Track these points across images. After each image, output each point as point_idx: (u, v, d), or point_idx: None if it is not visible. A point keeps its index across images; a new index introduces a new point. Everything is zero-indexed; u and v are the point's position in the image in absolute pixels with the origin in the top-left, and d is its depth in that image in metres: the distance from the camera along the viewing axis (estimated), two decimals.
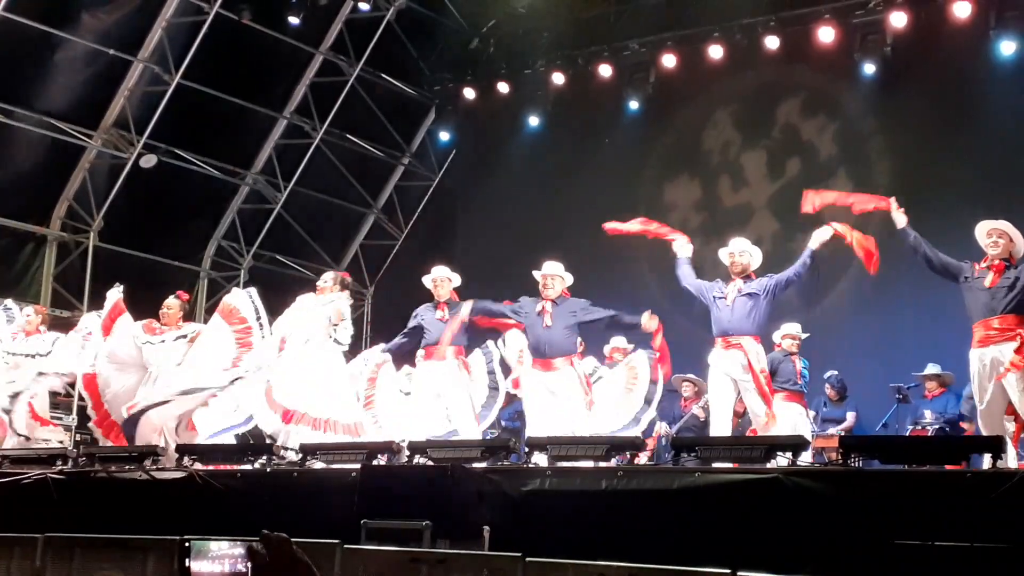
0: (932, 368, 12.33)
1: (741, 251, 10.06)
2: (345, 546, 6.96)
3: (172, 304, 11.70)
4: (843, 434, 11.66)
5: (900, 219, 9.32)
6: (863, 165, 15.62)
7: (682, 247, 10.32)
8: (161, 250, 17.79)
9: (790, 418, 10.83)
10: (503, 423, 13.21)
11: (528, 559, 6.12)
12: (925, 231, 14.54)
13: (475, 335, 11.56)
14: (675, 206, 17.04)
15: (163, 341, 11.45)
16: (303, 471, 9.37)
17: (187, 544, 3.42)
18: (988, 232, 8.92)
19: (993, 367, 8.61)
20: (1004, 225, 8.92)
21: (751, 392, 9.74)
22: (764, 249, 15.55)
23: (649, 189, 17.36)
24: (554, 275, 10.63)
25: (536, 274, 10.72)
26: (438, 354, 10.89)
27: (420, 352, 11.21)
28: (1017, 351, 8.52)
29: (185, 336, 11.46)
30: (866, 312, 13.99)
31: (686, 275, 10.13)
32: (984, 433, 8.58)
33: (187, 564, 3.40)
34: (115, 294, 11.90)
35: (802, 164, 16.13)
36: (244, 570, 3.20)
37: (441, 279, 11.29)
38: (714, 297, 9.87)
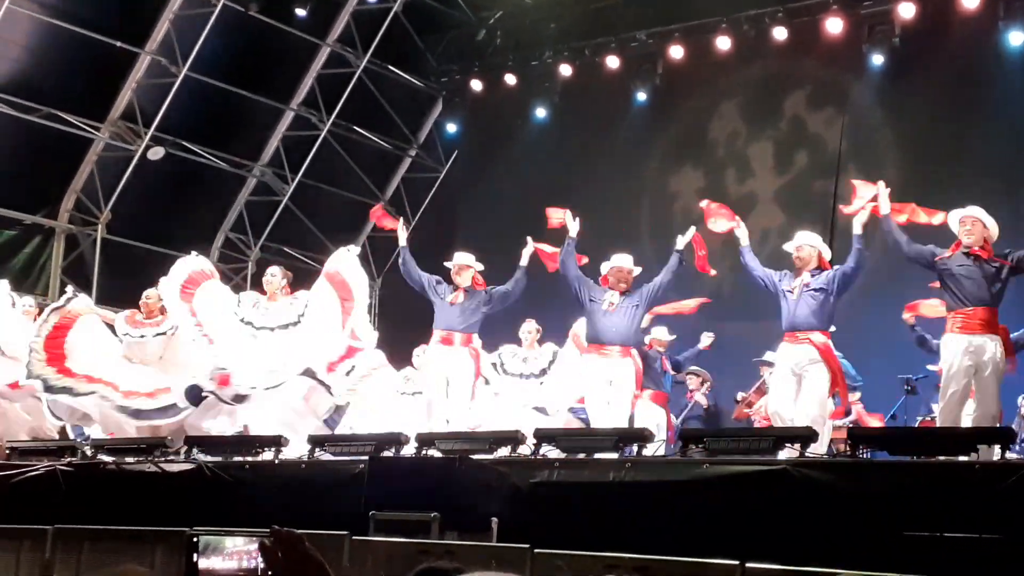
0: None
1: (799, 245, 9.95)
2: (353, 538, 6.98)
3: (151, 294, 11.68)
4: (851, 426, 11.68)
5: (885, 206, 9.37)
6: (871, 158, 15.57)
7: (743, 235, 10.29)
8: (168, 242, 17.75)
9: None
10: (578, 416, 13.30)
11: (536, 550, 6.13)
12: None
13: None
14: (679, 195, 17.03)
15: (143, 336, 11.47)
16: (311, 463, 9.38)
17: (195, 540, 3.37)
18: (961, 220, 9.01)
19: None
20: (977, 212, 9.02)
21: (819, 383, 9.50)
22: (770, 242, 15.65)
23: (655, 180, 17.35)
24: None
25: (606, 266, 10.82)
26: (449, 340, 11.03)
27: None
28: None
29: (164, 333, 11.47)
30: (876, 303, 13.97)
31: (751, 264, 10.06)
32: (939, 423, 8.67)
33: (195, 559, 3.36)
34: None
35: (809, 157, 16.09)
36: (259, 566, 3.17)
37: (462, 266, 11.31)
38: (783, 291, 9.77)
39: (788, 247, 10.14)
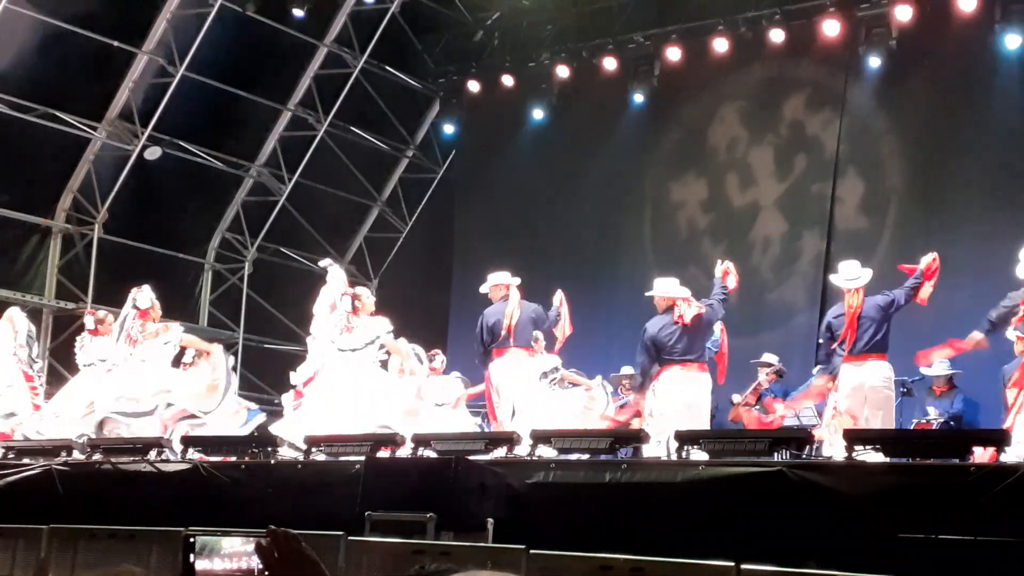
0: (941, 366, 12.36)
1: None
2: (349, 538, 6.97)
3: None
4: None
5: (983, 342, 9.53)
6: (869, 160, 15.57)
7: None
8: (165, 242, 17.77)
9: None
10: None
11: (532, 551, 6.13)
12: (934, 225, 14.57)
13: None
14: (681, 203, 16.98)
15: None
16: (307, 463, 9.38)
17: (192, 540, 3.36)
18: None
19: None
20: None
21: None
22: (772, 250, 15.64)
23: (655, 185, 17.30)
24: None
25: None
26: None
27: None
28: None
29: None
30: None
31: None
32: None
33: (191, 560, 3.35)
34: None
35: (808, 160, 16.05)
36: (256, 567, 3.17)
37: (500, 285, 11.28)
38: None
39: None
